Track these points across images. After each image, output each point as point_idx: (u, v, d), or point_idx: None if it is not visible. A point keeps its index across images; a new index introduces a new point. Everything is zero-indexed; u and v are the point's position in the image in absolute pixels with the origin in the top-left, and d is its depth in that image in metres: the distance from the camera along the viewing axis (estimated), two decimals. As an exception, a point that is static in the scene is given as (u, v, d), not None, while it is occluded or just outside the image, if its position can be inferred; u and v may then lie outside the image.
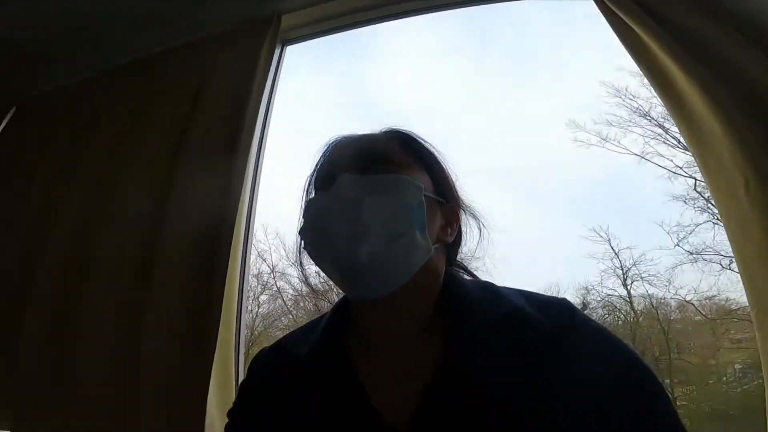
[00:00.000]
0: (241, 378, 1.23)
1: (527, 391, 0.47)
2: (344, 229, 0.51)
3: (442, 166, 0.62)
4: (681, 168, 3.11)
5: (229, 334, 1.12)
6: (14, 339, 1.27)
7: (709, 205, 2.92)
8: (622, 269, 4.35)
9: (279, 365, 0.60)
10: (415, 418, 0.49)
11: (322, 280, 0.65)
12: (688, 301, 3.57)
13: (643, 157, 3.78)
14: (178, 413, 0.99)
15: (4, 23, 1.67)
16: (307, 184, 0.62)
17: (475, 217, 0.65)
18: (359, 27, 1.62)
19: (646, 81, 1.02)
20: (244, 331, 1.26)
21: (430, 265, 0.55)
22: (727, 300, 3.15)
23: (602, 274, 4.56)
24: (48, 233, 1.38)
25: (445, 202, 0.60)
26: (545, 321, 0.51)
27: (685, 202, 3.24)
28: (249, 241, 1.34)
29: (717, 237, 2.97)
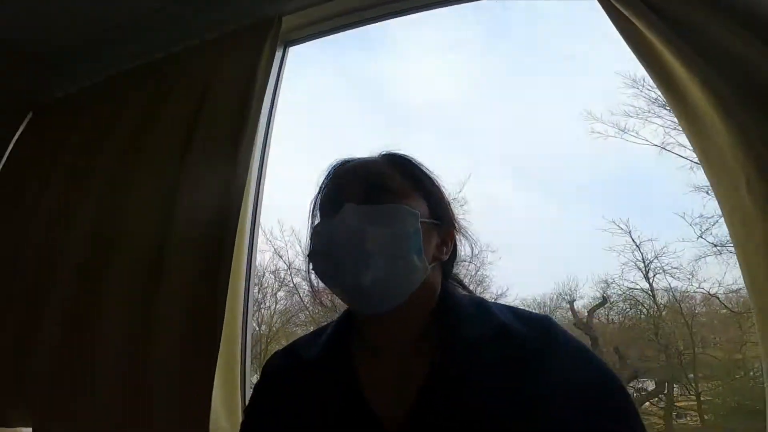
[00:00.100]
0: (247, 376, 1.27)
1: (509, 398, 0.52)
2: (349, 257, 0.57)
3: (437, 190, 0.68)
4: (703, 157, 3.00)
5: (234, 333, 1.15)
6: (33, 340, 1.34)
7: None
8: (643, 262, 4.23)
9: (289, 368, 0.66)
10: (409, 417, 0.54)
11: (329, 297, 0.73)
12: (712, 295, 3.45)
13: (663, 148, 3.65)
14: (184, 411, 1.03)
15: (21, 33, 1.76)
16: (312, 206, 0.68)
17: (466, 237, 0.71)
18: (361, 26, 1.62)
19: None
20: (250, 329, 1.30)
21: (427, 282, 0.61)
22: (753, 293, 3.03)
23: (623, 267, 4.46)
24: (63, 236, 1.45)
25: (440, 224, 0.65)
26: (528, 336, 0.56)
27: (707, 192, 3.12)
28: (254, 239, 1.37)
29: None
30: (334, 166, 0.68)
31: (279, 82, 1.58)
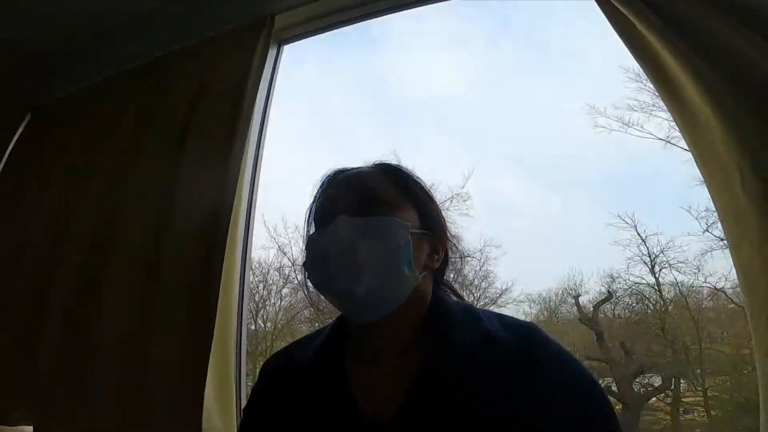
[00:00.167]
0: (243, 374, 1.28)
1: (493, 402, 0.55)
2: (342, 269, 0.60)
3: (429, 200, 0.70)
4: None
5: (227, 331, 1.16)
6: (33, 340, 1.36)
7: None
8: (649, 256, 4.19)
9: (285, 369, 0.69)
10: (397, 417, 0.57)
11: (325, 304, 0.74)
12: (718, 289, 3.40)
13: (668, 142, 3.60)
14: (177, 409, 1.05)
15: (20, 33, 1.78)
16: (307, 215, 0.70)
17: (456, 246, 0.73)
18: (354, 23, 1.60)
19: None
20: (245, 328, 1.31)
21: (418, 290, 0.63)
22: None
23: (628, 261, 4.42)
24: (63, 236, 1.46)
25: (431, 233, 0.67)
26: (512, 342, 0.59)
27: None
28: (249, 238, 1.38)
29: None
30: (329, 175, 0.70)
31: (274, 81, 1.58)
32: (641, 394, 4.11)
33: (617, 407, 4.42)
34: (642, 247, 4.11)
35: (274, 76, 1.58)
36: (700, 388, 3.52)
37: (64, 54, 1.86)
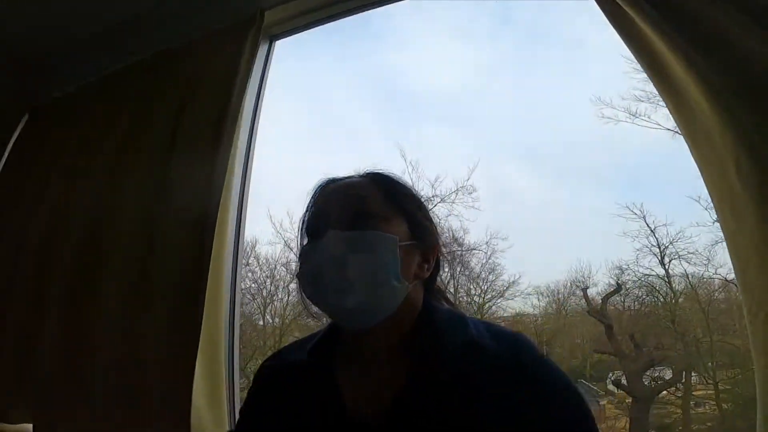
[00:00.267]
0: (236, 371, 1.28)
1: (475, 407, 0.57)
2: (332, 283, 0.62)
3: (418, 209, 0.71)
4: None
5: (217, 328, 1.16)
6: (34, 340, 1.38)
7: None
8: (658, 247, 4.11)
9: (278, 371, 0.72)
10: (383, 419, 0.59)
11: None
12: (729, 281, 3.31)
13: (676, 132, 3.51)
14: (166, 405, 1.06)
15: (16, 35, 1.79)
16: (300, 225, 0.72)
17: (444, 255, 0.75)
18: (346, 16, 1.58)
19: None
20: (238, 324, 1.31)
21: (408, 298, 0.65)
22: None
23: (637, 252, 4.35)
24: (60, 237, 1.47)
25: (421, 243, 0.68)
26: (497, 350, 0.61)
27: (722, 174, 2.99)
28: (240, 235, 1.37)
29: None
30: (321, 185, 0.72)
31: (265, 76, 1.57)
32: (651, 387, 4.05)
33: (627, 401, 4.37)
34: (651, 238, 4.04)
35: (266, 72, 1.57)
36: (711, 381, 3.45)
37: (60, 54, 1.86)
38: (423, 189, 5.07)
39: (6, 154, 1.81)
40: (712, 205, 0.88)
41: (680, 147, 0.95)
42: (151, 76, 1.55)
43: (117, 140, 1.50)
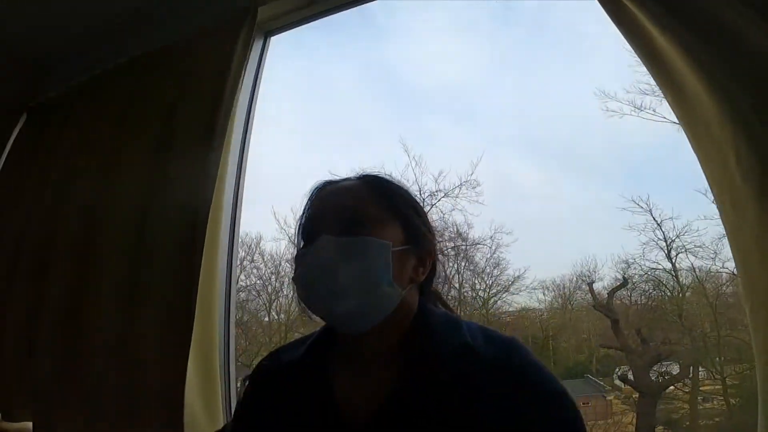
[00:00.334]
0: (232, 368, 1.28)
1: (465, 411, 0.57)
2: (323, 289, 0.63)
3: (414, 213, 0.70)
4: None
5: (210, 327, 1.15)
6: (33, 340, 1.39)
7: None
8: (665, 241, 4.06)
9: (273, 371, 0.72)
10: (376, 421, 0.60)
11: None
12: (737, 275, 3.23)
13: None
14: (159, 407, 1.06)
15: (13, 36, 1.79)
16: (297, 226, 0.72)
17: (440, 260, 0.73)
18: (342, 10, 1.56)
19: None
20: (233, 322, 1.30)
21: (403, 302, 0.65)
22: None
23: (644, 246, 4.30)
24: (59, 236, 1.48)
25: (416, 247, 0.68)
26: (489, 354, 0.61)
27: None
28: (235, 232, 1.37)
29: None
30: (317, 188, 0.72)
31: (260, 72, 1.55)
32: (658, 382, 4.02)
33: (634, 396, 4.34)
34: (657, 232, 3.99)
35: (261, 68, 1.56)
36: (719, 377, 3.41)
37: (57, 53, 1.87)
38: (426, 183, 5.06)
39: (5, 155, 1.82)
40: (719, 197, 0.85)
41: (686, 139, 0.93)
42: (144, 75, 1.55)
43: (110, 140, 1.50)
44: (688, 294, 3.84)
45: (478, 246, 5.27)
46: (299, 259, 0.67)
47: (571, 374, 5.59)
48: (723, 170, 0.82)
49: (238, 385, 1.24)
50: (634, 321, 4.51)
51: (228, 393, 1.20)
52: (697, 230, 3.64)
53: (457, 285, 5.51)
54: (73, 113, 1.68)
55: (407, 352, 0.64)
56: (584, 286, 5.09)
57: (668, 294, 4.08)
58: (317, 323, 0.77)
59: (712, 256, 3.55)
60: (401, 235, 0.66)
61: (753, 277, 0.78)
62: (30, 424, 1.38)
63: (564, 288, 5.35)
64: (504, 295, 5.58)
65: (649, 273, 4.18)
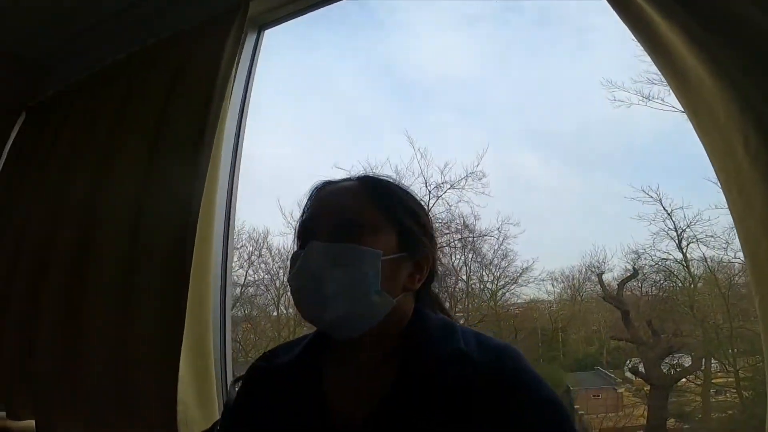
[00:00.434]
0: (229, 367, 1.27)
1: (456, 414, 0.57)
2: (312, 295, 0.63)
3: (411, 218, 0.68)
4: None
5: (204, 326, 1.15)
6: (33, 340, 1.40)
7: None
8: (675, 230, 3.97)
9: (267, 371, 0.72)
10: (366, 425, 0.60)
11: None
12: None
13: (691, 111, 3.37)
14: (152, 405, 1.06)
15: (11, 37, 1.79)
16: (296, 225, 0.71)
17: (441, 264, 0.74)
18: (336, 1, 1.53)
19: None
20: (229, 325, 1.30)
21: (396, 308, 0.64)
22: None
23: (654, 236, 4.22)
24: (57, 237, 1.48)
25: (412, 254, 0.67)
26: (482, 361, 0.60)
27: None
28: (230, 229, 1.36)
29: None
30: (316, 188, 0.71)
31: (254, 66, 1.54)
32: (670, 374, 3.96)
33: (645, 388, 4.28)
34: (668, 222, 3.91)
35: (255, 61, 1.54)
36: (731, 369, 3.34)
37: (54, 54, 1.87)
38: (432, 176, 5.02)
39: (5, 154, 1.83)
40: (727, 186, 0.81)
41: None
42: (138, 72, 1.54)
43: (106, 138, 1.49)
44: (699, 284, 3.77)
45: (485, 237, 5.23)
46: (292, 262, 0.67)
47: (581, 366, 5.54)
48: (730, 157, 0.78)
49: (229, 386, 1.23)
50: (645, 312, 4.44)
51: (224, 392, 1.20)
52: (709, 219, 3.56)
53: (464, 277, 5.49)
54: (71, 112, 1.68)
55: (401, 357, 0.63)
56: (594, 278, 5.03)
57: (679, 285, 4.01)
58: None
59: (723, 245, 3.48)
60: (395, 241, 0.65)
61: (762, 266, 0.74)
62: (33, 423, 1.40)
63: (573, 279, 5.28)
64: (512, 287, 5.54)
65: (659, 263, 4.10)
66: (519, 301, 5.63)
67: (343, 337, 0.65)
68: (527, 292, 5.56)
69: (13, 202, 1.71)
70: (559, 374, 5.39)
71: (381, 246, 0.63)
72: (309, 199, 0.70)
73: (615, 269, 4.58)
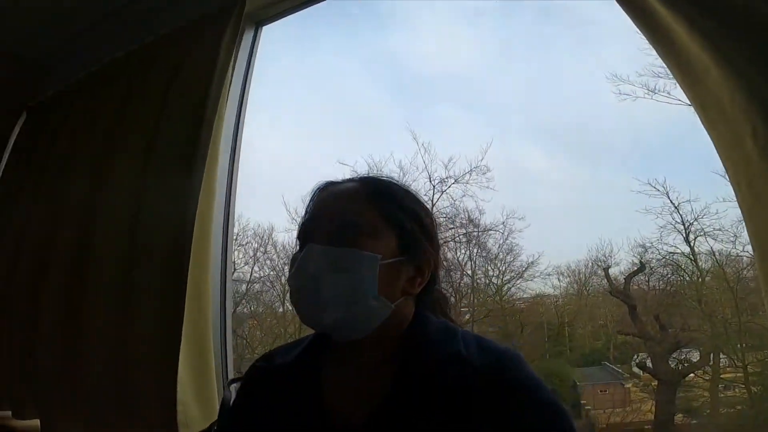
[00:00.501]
0: (230, 366, 1.27)
1: (455, 417, 0.57)
2: (309, 298, 0.62)
3: (414, 221, 0.67)
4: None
5: (204, 328, 1.14)
6: (34, 341, 1.40)
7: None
8: (683, 224, 3.93)
9: (266, 372, 0.72)
10: (363, 426, 0.59)
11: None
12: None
13: (698, 106, 3.32)
14: (153, 402, 1.07)
15: (11, 38, 1.79)
16: (298, 226, 0.70)
17: (439, 271, 0.72)
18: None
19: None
20: (230, 324, 1.29)
21: (395, 314, 0.64)
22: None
23: (661, 230, 4.18)
24: (56, 237, 1.48)
25: (413, 257, 0.66)
26: (481, 365, 0.59)
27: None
28: (230, 225, 1.35)
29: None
30: (318, 189, 0.71)
31: (252, 63, 1.52)
32: (678, 370, 3.93)
33: (653, 383, 4.26)
34: (675, 215, 3.87)
35: (252, 58, 1.52)
36: (740, 364, 3.30)
37: (53, 53, 1.86)
38: (436, 170, 5.01)
39: (6, 154, 1.83)
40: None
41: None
42: (136, 71, 1.52)
43: (104, 139, 1.48)
44: (707, 278, 3.73)
45: (490, 232, 5.22)
46: (292, 263, 0.67)
47: (587, 361, 5.52)
48: (738, 149, 0.75)
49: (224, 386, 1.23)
50: (653, 307, 4.41)
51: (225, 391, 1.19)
52: (716, 213, 3.53)
53: (469, 272, 5.48)
54: (70, 112, 1.67)
55: (400, 359, 0.63)
56: (600, 272, 5.00)
57: (687, 279, 3.98)
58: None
59: (731, 239, 3.44)
60: (395, 245, 0.64)
61: (771, 264, 0.72)
62: (38, 422, 1.41)
63: (579, 273, 5.26)
64: (518, 282, 5.52)
65: (667, 257, 4.07)
66: (525, 295, 5.63)
67: (340, 339, 0.65)
68: (533, 286, 5.56)
69: (15, 202, 1.71)
70: (565, 369, 5.37)
71: (380, 250, 0.62)
72: (310, 200, 0.70)
73: (622, 263, 4.55)
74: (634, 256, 4.34)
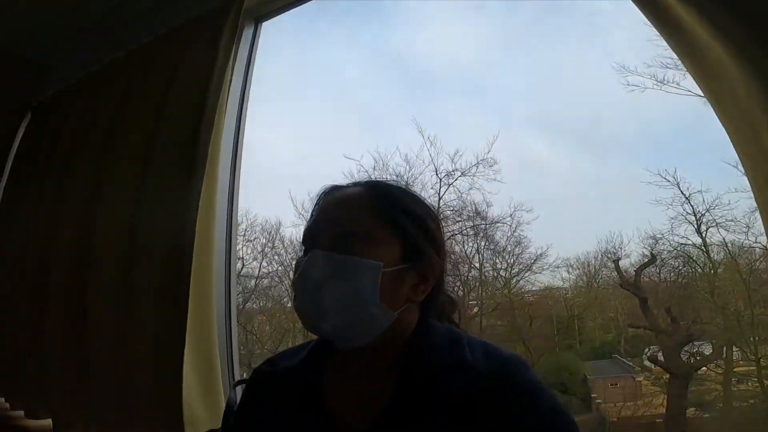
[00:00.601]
0: (236, 367, 1.27)
1: (459, 423, 0.56)
2: (310, 305, 0.63)
3: (419, 228, 0.67)
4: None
5: (209, 329, 1.14)
6: (41, 341, 1.41)
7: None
8: (694, 215, 3.86)
9: (269, 376, 0.72)
10: (366, 430, 0.59)
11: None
12: (770, 250, 3.05)
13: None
14: (158, 403, 1.07)
15: (11, 39, 1.80)
16: (304, 229, 0.70)
17: (446, 272, 0.71)
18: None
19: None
20: (235, 323, 1.29)
21: (398, 321, 0.63)
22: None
23: (672, 221, 4.11)
24: (58, 238, 1.48)
25: (417, 265, 0.65)
26: (486, 372, 0.59)
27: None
28: (233, 223, 1.34)
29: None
30: (323, 192, 0.70)
31: (252, 59, 1.50)
32: (690, 363, 3.88)
33: (664, 377, 4.21)
34: (686, 206, 3.80)
35: (253, 55, 1.50)
36: (753, 357, 3.25)
37: (56, 53, 1.87)
38: (443, 163, 4.97)
39: (12, 153, 1.84)
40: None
41: (713, 112, 0.84)
42: (136, 70, 1.52)
43: (101, 139, 1.48)
44: (720, 270, 3.66)
45: (497, 224, 5.18)
46: (295, 268, 0.67)
47: (598, 355, 5.48)
48: (755, 142, 0.72)
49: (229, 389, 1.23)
50: (664, 299, 4.35)
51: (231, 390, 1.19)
52: (728, 203, 3.45)
53: (477, 265, 5.45)
54: (71, 112, 1.68)
55: (403, 366, 0.63)
56: (610, 264, 4.94)
57: (699, 270, 3.91)
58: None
59: (744, 230, 3.36)
60: (399, 252, 0.64)
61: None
62: (50, 422, 1.42)
63: (589, 266, 5.20)
64: (526, 274, 5.48)
65: (678, 249, 4.00)
66: (533, 288, 5.58)
67: (342, 346, 0.65)
68: (542, 279, 5.51)
69: (20, 203, 1.72)
70: (575, 363, 5.34)
71: (383, 257, 0.62)
72: (316, 204, 0.70)
73: (632, 255, 4.49)
74: (644, 247, 4.28)
